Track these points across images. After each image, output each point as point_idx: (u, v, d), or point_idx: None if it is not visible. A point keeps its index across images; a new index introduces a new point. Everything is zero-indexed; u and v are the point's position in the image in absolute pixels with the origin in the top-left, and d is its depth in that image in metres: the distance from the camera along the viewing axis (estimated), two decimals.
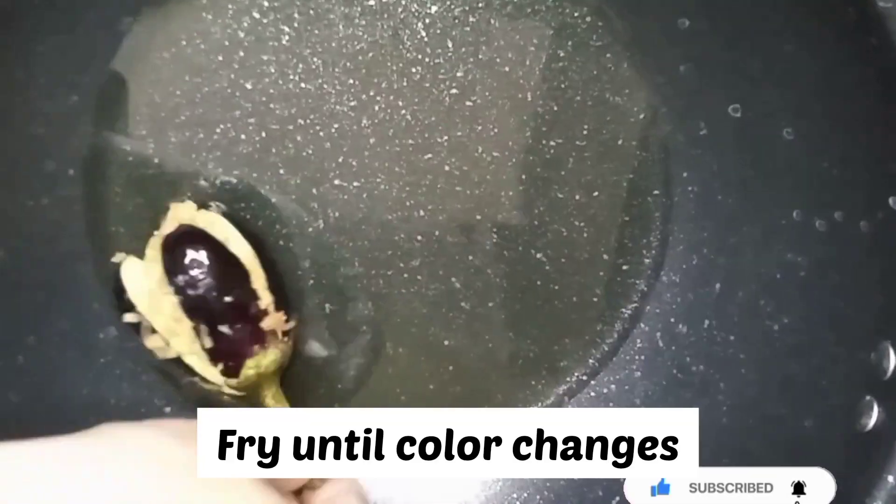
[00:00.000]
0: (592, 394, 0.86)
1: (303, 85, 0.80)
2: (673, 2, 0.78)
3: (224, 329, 0.77)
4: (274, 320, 0.79)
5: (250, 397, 0.80)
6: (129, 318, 0.77)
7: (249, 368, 0.79)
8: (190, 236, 0.78)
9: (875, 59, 0.67)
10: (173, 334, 0.76)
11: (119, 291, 0.77)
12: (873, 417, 0.71)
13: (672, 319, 0.83)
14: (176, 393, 0.82)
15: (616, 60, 0.81)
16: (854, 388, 0.74)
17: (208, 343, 0.77)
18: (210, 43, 0.79)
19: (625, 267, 0.85)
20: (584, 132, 0.82)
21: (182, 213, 0.78)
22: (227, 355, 0.78)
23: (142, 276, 0.76)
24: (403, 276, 0.83)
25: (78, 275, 0.80)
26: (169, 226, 0.78)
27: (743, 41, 0.76)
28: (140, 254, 0.78)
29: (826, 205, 0.74)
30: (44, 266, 0.79)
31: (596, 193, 0.83)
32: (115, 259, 0.78)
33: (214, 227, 0.79)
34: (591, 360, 0.86)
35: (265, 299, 0.79)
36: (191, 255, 0.77)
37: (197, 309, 0.76)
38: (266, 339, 0.78)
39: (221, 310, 0.78)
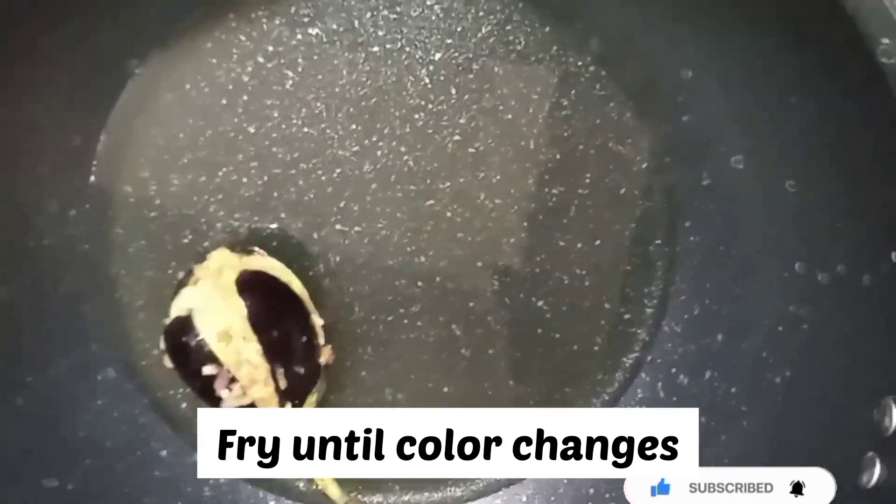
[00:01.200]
0: None
1: (305, 129, 0.80)
2: (676, 52, 0.78)
3: (299, 369, 0.78)
4: (326, 355, 0.79)
5: None
6: (208, 370, 0.75)
7: (310, 403, 0.79)
8: (264, 281, 0.78)
9: (880, 113, 0.67)
10: (253, 381, 0.76)
11: (182, 345, 0.76)
12: (875, 474, 0.70)
13: (673, 370, 0.83)
14: (175, 435, 0.82)
15: (620, 109, 0.81)
16: (856, 444, 0.73)
17: (283, 384, 0.76)
18: (214, 86, 0.80)
19: (626, 316, 0.84)
20: (587, 180, 0.82)
21: (230, 261, 0.78)
22: (297, 394, 0.78)
23: (220, 325, 0.75)
24: (404, 322, 0.82)
25: (79, 315, 0.80)
26: (227, 272, 0.77)
27: (747, 92, 0.76)
28: (158, 304, 0.78)
29: (829, 258, 0.74)
30: (45, 305, 0.79)
31: (598, 242, 0.82)
32: (176, 313, 0.76)
33: (275, 270, 0.79)
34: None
35: (321, 335, 0.79)
36: (270, 299, 0.77)
37: (277, 352, 0.76)
38: (321, 373, 0.79)
39: (299, 350, 0.78)
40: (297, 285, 0.79)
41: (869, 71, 0.64)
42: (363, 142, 0.80)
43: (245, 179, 0.80)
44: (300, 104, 0.80)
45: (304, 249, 0.81)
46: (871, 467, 0.70)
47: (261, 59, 0.80)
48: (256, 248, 0.79)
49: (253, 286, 0.77)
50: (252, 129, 0.80)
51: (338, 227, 0.81)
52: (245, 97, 0.80)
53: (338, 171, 0.81)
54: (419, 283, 0.82)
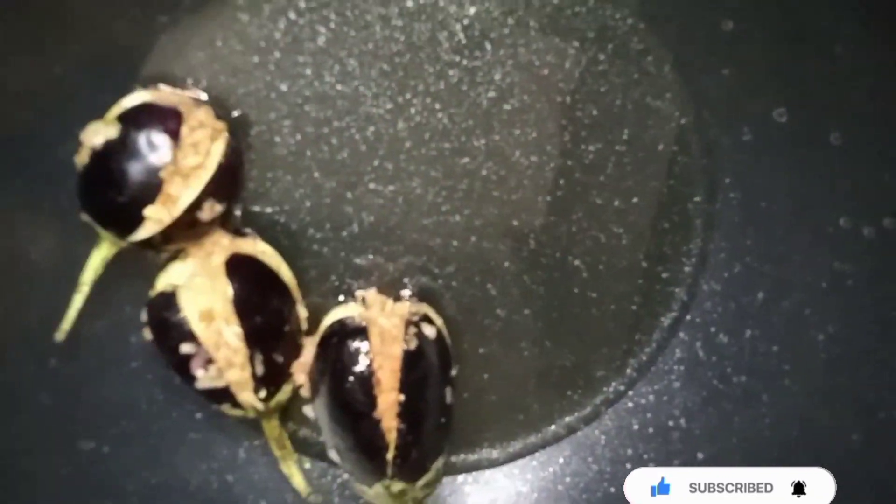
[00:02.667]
0: (630, 404, 0.84)
1: (339, 87, 0.79)
2: (716, 3, 0.77)
3: (277, 357, 0.77)
4: (302, 364, 0.78)
5: (259, 421, 0.80)
6: (186, 348, 0.74)
7: (284, 393, 0.78)
8: (253, 266, 0.77)
9: None
10: (230, 365, 0.75)
11: (163, 320, 0.75)
12: None
13: (713, 329, 0.81)
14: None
15: (657, 64, 0.80)
16: None
17: (260, 371, 0.76)
18: (246, 44, 0.79)
19: (664, 275, 0.83)
20: (624, 137, 0.80)
21: (225, 243, 0.77)
22: (272, 382, 0.77)
23: (203, 305, 0.74)
24: (438, 282, 0.81)
25: (111, 277, 0.79)
26: (217, 253, 0.76)
27: (790, 43, 0.75)
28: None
29: (874, 212, 0.73)
30: (78, 267, 0.78)
31: (635, 199, 0.81)
32: (161, 288, 0.75)
33: (266, 256, 0.78)
34: (628, 370, 0.84)
35: (305, 326, 0.79)
36: (257, 283, 0.76)
37: (258, 338, 0.75)
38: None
39: (280, 339, 0.77)
40: (285, 273, 0.78)
41: None
42: (397, 99, 0.79)
43: (277, 138, 0.79)
44: (333, 61, 0.79)
45: (338, 209, 0.80)
46: None
47: (293, 16, 0.78)
48: (249, 230, 0.79)
49: (241, 270, 0.76)
50: (284, 88, 0.79)
51: (371, 185, 0.80)
52: (277, 54, 0.79)
53: (371, 129, 0.79)
54: (454, 243, 0.81)
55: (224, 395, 0.76)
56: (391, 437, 0.74)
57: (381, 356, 0.74)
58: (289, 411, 0.81)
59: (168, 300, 0.75)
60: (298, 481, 0.82)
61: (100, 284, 0.78)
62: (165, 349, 0.76)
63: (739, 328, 0.82)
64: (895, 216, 0.71)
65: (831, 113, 0.75)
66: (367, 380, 0.74)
